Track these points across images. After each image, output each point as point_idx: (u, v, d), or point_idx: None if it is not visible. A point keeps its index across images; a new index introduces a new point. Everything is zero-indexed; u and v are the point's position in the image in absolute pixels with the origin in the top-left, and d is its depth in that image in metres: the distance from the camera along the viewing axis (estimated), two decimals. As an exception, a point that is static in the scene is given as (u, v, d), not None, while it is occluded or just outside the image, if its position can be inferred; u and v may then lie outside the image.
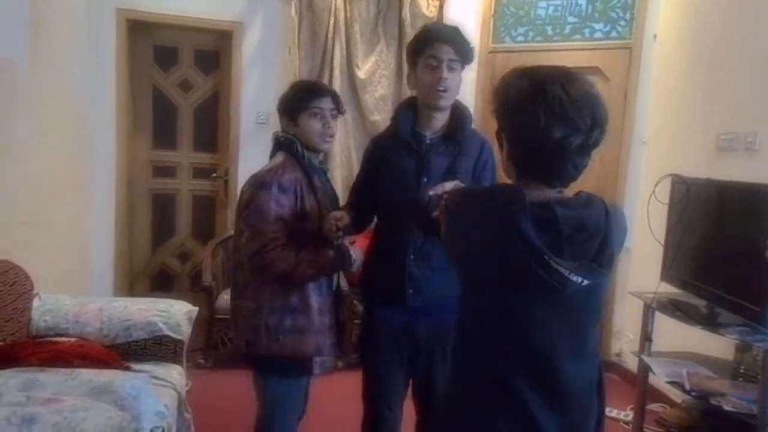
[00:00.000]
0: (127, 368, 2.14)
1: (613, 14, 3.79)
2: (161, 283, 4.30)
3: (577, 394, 1.19)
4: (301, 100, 1.93)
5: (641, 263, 3.55)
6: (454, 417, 1.23)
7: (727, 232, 2.29)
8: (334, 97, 1.97)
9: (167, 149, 4.22)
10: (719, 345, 2.56)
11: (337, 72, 3.97)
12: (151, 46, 4.11)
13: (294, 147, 1.92)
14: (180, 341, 2.40)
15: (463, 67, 1.85)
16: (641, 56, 3.68)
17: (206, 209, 4.30)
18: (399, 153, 1.88)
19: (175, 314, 2.40)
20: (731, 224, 2.26)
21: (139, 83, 4.10)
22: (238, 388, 3.31)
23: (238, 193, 3.95)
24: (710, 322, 2.27)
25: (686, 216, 2.57)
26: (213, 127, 4.23)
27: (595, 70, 3.82)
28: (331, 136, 1.96)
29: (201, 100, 4.21)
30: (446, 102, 1.84)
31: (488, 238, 1.14)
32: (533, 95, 1.11)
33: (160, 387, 2.11)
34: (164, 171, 4.24)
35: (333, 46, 3.96)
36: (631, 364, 3.69)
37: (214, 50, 4.17)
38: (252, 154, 4.07)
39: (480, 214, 1.18)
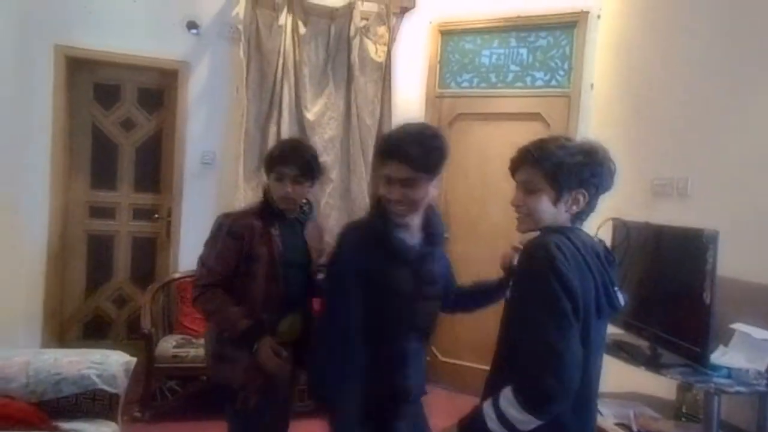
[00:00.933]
0: (56, 429, 1.98)
1: (553, 64, 3.97)
2: (95, 330, 4.06)
3: None
4: (269, 161, 2.07)
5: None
6: None
7: (667, 273, 2.37)
8: (302, 165, 2.02)
9: (106, 189, 4.05)
10: (662, 385, 2.62)
11: (285, 113, 3.96)
12: (92, 83, 3.99)
13: (266, 197, 2.08)
14: (116, 395, 2.25)
15: (429, 178, 1.65)
16: (579, 104, 3.85)
17: (147, 251, 4.13)
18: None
19: (111, 366, 2.26)
20: (670, 266, 2.35)
21: (77, 121, 3.95)
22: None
23: (182, 233, 3.87)
24: (653, 363, 2.32)
25: (627, 258, 2.65)
26: (156, 167, 4.11)
27: (537, 117, 3.98)
28: (293, 200, 2.04)
29: (143, 139, 4.09)
30: (410, 213, 1.68)
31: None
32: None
33: (91, 448, 1.96)
34: (102, 212, 4.06)
35: (282, 88, 3.96)
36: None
37: (158, 88, 4.08)
38: (196, 194, 3.98)
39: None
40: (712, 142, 2.82)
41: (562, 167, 1.41)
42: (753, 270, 2.33)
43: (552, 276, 1.29)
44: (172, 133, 4.01)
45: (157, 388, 3.38)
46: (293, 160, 2.02)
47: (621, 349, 2.51)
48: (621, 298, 1.40)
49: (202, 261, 2.07)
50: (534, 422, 1.27)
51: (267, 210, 2.06)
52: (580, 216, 1.48)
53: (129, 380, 2.33)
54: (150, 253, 4.14)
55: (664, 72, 3.21)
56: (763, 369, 2.14)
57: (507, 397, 1.30)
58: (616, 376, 2.75)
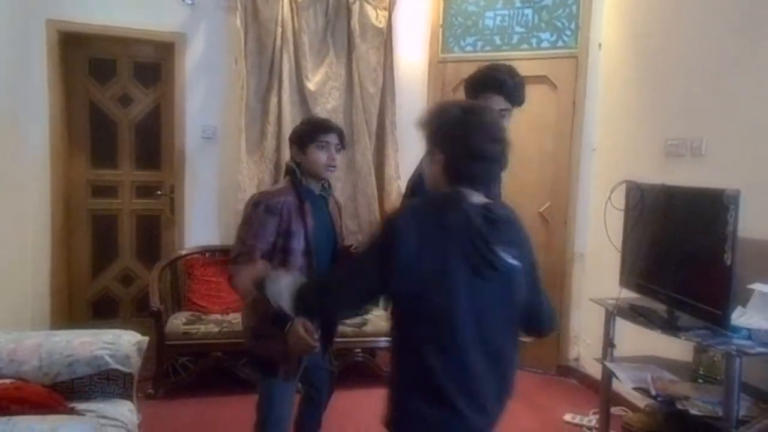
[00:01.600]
0: (72, 410, 1.96)
1: (559, 24, 3.85)
2: (104, 310, 4.04)
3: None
4: (311, 132, 2.18)
5: (598, 269, 3.60)
6: None
7: (684, 236, 2.33)
8: (340, 134, 2.23)
9: (107, 167, 3.98)
10: (677, 347, 2.60)
11: (286, 84, 3.86)
12: (87, 58, 3.88)
13: (295, 174, 2.17)
14: (129, 375, 2.23)
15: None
16: (587, 65, 3.75)
17: (151, 229, 4.08)
18: None
19: (123, 346, 2.23)
20: (688, 229, 2.30)
21: (74, 98, 3.86)
22: (192, 418, 3.16)
23: (185, 210, 3.82)
24: (671, 327, 2.30)
25: (642, 221, 2.62)
26: (156, 143, 4.03)
27: (543, 79, 3.88)
28: (334, 167, 2.21)
29: (142, 114, 4.00)
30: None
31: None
32: (465, 120, 1.38)
33: (109, 428, 1.94)
34: (104, 190, 4.00)
35: (281, 58, 3.85)
36: (590, 368, 3.74)
37: (154, 62, 3.98)
38: (199, 169, 3.92)
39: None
40: (726, 100, 2.75)
41: (425, 129, 1.44)
42: (770, 229, 2.29)
43: (381, 235, 1.38)
44: (171, 108, 3.92)
45: (169, 365, 3.38)
46: (335, 129, 2.21)
47: (637, 313, 2.49)
48: (505, 259, 1.36)
49: (241, 240, 2.09)
50: (288, 307, 1.44)
51: (299, 186, 2.15)
52: (461, 182, 1.39)
53: (142, 359, 2.30)
54: (155, 230, 4.09)
55: (674, 29, 3.11)
56: (783, 329, 2.12)
57: (293, 284, 1.46)
58: (630, 340, 2.74)
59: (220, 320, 3.52)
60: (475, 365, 1.36)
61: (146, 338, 2.36)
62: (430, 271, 1.32)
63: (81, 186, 3.94)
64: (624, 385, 2.43)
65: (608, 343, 2.67)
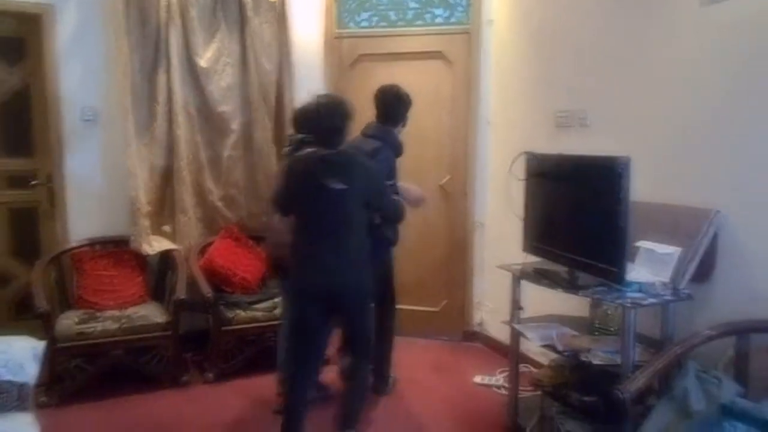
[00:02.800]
0: (-37, 431, 1.74)
1: (451, 0, 3.94)
2: (-25, 315, 3.62)
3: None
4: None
5: (499, 238, 3.79)
6: None
7: (581, 201, 2.50)
8: None
9: (-33, 156, 3.53)
10: (574, 304, 2.82)
11: (175, 61, 3.62)
12: (-68, 32, 3.38)
13: None
14: (25, 385, 2.02)
15: None
16: (480, 40, 3.88)
17: (27, 223, 3.69)
18: None
19: (15, 354, 2.02)
20: (584, 194, 2.47)
21: None
22: (96, 423, 2.94)
23: (68, 200, 3.48)
24: (573, 286, 2.47)
25: (541, 190, 2.78)
26: (26, 128, 3.62)
27: (438, 55, 3.97)
28: None
29: (7, 95, 3.57)
30: None
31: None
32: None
33: (10, 445, 1.75)
34: (-34, 182, 3.55)
35: (168, 33, 3.60)
36: (493, 332, 3.96)
37: (17, 37, 3.55)
38: (81, 155, 3.61)
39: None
40: (607, 73, 2.96)
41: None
42: (649, 192, 2.52)
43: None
44: (42, 88, 3.53)
45: (62, 368, 3.10)
46: None
47: (541, 276, 2.65)
48: (330, 185, 2.37)
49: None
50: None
51: None
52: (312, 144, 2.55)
53: (40, 366, 2.10)
54: (32, 224, 3.70)
55: (560, 6, 3.29)
56: (667, 279, 2.36)
57: None
58: (534, 302, 2.92)
59: (118, 316, 3.29)
60: (319, 240, 2.42)
61: (42, 343, 2.16)
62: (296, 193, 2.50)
63: (-64, 178, 3.46)
64: (533, 343, 2.60)
65: (516, 306, 2.82)
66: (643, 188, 2.45)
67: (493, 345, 3.94)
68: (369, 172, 2.51)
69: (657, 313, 2.47)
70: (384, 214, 2.70)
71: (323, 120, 2.41)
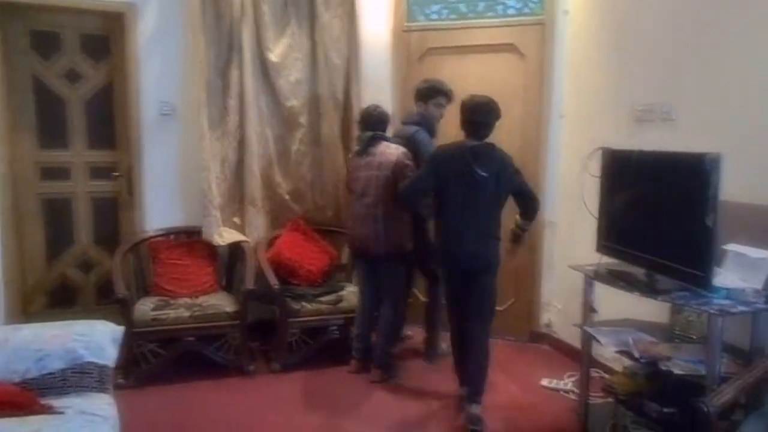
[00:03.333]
0: (50, 408, 1.84)
1: (525, -9, 3.81)
2: (62, 299, 3.84)
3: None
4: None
5: (571, 237, 3.65)
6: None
7: (663, 201, 2.35)
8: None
9: (57, 148, 3.73)
10: (651, 309, 2.66)
11: (247, 56, 3.69)
12: (27, 31, 3.59)
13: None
14: (106, 367, 2.12)
15: None
16: (554, 32, 3.74)
17: (108, 212, 3.88)
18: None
19: (97, 337, 2.11)
20: (667, 193, 2.33)
21: (15, 75, 3.58)
22: (167, 406, 3.06)
23: (144, 192, 3.63)
24: (652, 289, 2.34)
25: (618, 188, 2.64)
26: (110, 121, 3.80)
27: (510, 47, 3.86)
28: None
29: (93, 91, 3.76)
30: None
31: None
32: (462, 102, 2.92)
33: (91, 425, 1.83)
34: (55, 173, 3.75)
35: (240, 29, 3.68)
36: (562, 333, 3.82)
37: (103, 34, 3.73)
38: (158, 148, 3.74)
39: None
40: (694, 66, 2.78)
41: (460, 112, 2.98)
42: (740, 191, 2.33)
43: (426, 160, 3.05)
44: (124, 84, 3.70)
45: (139, 352, 3.24)
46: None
47: (616, 278, 2.53)
48: (478, 172, 2.79)
49: None
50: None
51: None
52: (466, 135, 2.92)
53: (118, 350, 2.19)
54: (112, 213, 3.89)
55: (643, -6, 3.12)
56: (760, 287, 2.19)
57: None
58: (606, 305, 2.79)
59: (190, 304, 3.40)
60: (460, 222, 2.85)
61: (121, 328, 2.24)
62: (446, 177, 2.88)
63: (29, 169, 3.68)
64: (606, 348, 2.48)
65: (588, 308, 2.70)
66: (733, 188, 2.27)
67: (561, 347, 3.81)
68: (504, 162, 2.88)
69: (746, 323, 2.30)
70: (521, 199, 2.98)
71: (477, 116, 2.84)
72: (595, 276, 2.62)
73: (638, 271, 2.50)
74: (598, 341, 2.56)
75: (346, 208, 3.93)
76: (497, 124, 2.92)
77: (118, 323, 2.33)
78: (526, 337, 4.00)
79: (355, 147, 3.40)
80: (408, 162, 3.20)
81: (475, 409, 2.85)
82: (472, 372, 2.94)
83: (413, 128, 3.44)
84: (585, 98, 3.60)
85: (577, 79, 3.68)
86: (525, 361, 3.70)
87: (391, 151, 3.28)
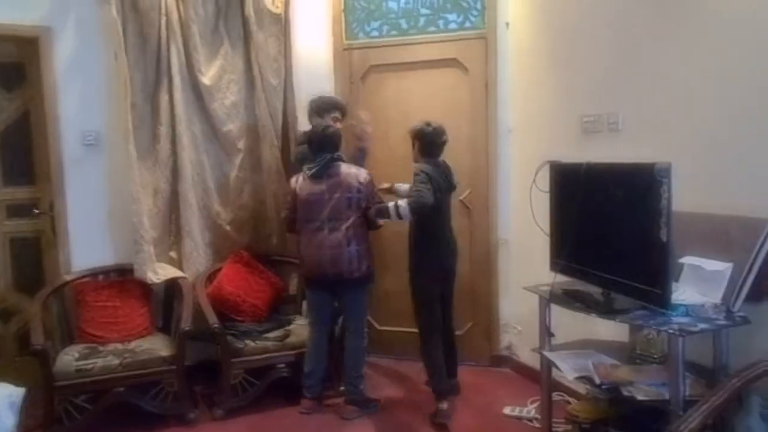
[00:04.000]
0: None
1: (465, 4, 3.72)
2: (-21, 351, 3.48)
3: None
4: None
5: (525, 255, 3.52)
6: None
7: (615, 214, 2.24)
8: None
9: (-32, 186, 3.42)
10: (611, 328, 2.53)
11: (177, 80, 3.47)
12: (-70, 60, 3.30)
13: None
14: (1, 438, 1.83)
15: None
16: (497, 45, 3.64)
17: (30, 254, 3.55)
18: None
19: (-11, 404, 1.83)
20: (618, 206, 2.21)
21: None
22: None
23: (69, 229, 3.35)
24: (609, 310, 2.20)
25: (568, 202, 2.51)
26: (27, 155, 3.50)
27: (453, 62, 3.75)
28: None
29: (7, 122, 3.46)
30: None
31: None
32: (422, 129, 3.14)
33: None
34: (-34, 213, 3.43)
35: (168, 51, 3.45)
36: (523, 356, 3.67)
37: (16, 62, 3.45)
38: (82, 181, 3.46)
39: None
40: (640, 73, 2.70)
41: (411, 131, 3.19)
42: (692, 201, 2.22)
43: (423, 174, 2.97)
44: (42, 113, 3.41)
45: (62, 409, 2.92)
46: None
47: (572, 299, 2.39)
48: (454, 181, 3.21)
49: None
50: (407, 212, 2.96)
51: None
52: (426, 154, 3.14)
53: (19, 415, 1.90)
54: (35, 254, 3.57)
55: (584, 4, 3.05)
56: (719, 300, 2.07)
57: (403, 201, 2.98)
58: (565, 325, 2.65)
59: (121, 350, 3.11)
60: (446, 230, 3.19)
61: (22, 390, 1.97)
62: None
63: (-63, 210, 3.36)
64: (567, 375, 2.32)
65: (545, 332, 2.55)
66: (684, 198, 2.17)
67: (523, 371, 3.65)
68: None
69: (708, 339, 2.18)
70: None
71: (439, 137, 3.14)
72: (551, 297, 2.48)
73: (594, 290, 2.37)
74: (557, 368, 2.40)
75: (290, 235, 3.73)
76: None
77: (39, 378, 2.04)
78: (487, 361, 3.83)
79: (306, 169, 3.17)
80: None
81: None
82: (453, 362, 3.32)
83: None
84: (531, 111, 3.50)
85: (523, 92, 3.58)
86: (487, 387, 3.52)
87: (353, 172, 3.13)
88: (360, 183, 3.11)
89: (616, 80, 2.84)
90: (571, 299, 2.38)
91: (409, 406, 3.31)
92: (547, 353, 2.51)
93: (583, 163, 2.41)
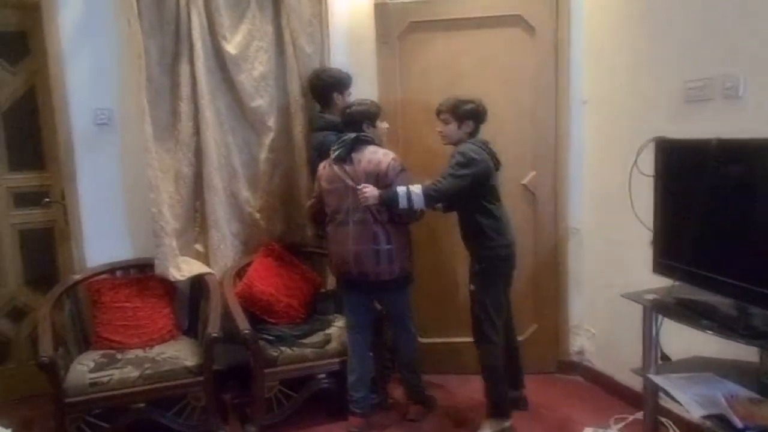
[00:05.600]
0: None
1: (531, -48, 3.15)
2: (-9, 355, 3.16)
3: None
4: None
5: (604, 247, 3.02)
6: None
7: (750, 205, 1.71)
8: None
9: (-31, 173, 3.05)
10: (722, 341, 2.02)
11: (198, 47, 3.01)
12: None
13: None
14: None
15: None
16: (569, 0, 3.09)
17: (42, 247, 3.20)
18: None
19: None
20: (754, 194, 1.68)
21: None
22: None
23: (83, 219, 2.97)
24: (756, 333, 1.69)
25: (686, 190, 2.00)
26: (35, 137, 3.12)
27: (517, 20, 3.19)
28: None
29: (11, 100, 3.07)
30: None
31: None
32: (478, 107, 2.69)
33: None
34: (-31, 203, 3.07)
35: (189, 14, 2.99)
36: (598, 363, 3.20)
37: (18, 31, 3.04)
38: (95, 165, 3.07)
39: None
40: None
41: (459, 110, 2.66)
42: None
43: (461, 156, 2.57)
44: (48, 90, 3.01)
45: (74, 428, 2.55)
46: None
47: (695, 313, 1.88)
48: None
49: None
50: (422, 202, 2.55)
51: None
52: (472, 134, 2.68)
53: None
54: (48, 248, 3.21)
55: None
56: None
57: (417, 188, 2.56)
58: (664, 333, 2.14)
59: (141, 358, 2.73)
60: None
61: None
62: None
63: (-63, 200, 3.01)
64: (691, 412, 1.82)
65: (652, 351, 2.06)
66: None
67: (597, 379, 3.17)
68: None
69: None
70: None
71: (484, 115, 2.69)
72: (661, 309, 1.97)
73: (721, 302, 1.86)
74: (672, 398, 1.91)
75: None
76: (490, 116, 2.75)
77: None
78: (554, 368, 3.35)
79: (334, 151, 2.73)
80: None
81: None
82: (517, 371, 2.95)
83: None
84: (613, 78, 2.94)
85: (601, 56, 3.02)
86: (556, 400, 3.05)
87: (379, 154, 2.67)
88: (387, 167, 2.64)
89: (733, 31, 2.27)
90: (692, 314, 1.88)
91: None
92: (654, 378, 2.01)
93: (712, 139, 1.87)
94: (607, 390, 3.05)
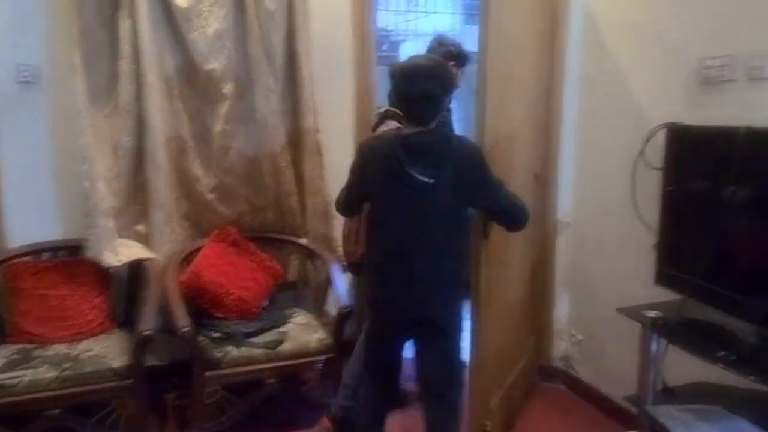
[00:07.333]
0: None
1: None
2: None
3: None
4: None
5: (597, 243, 2.69)
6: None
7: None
8: None
9: None
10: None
11: (141, -1, 2.60)
12: None
13: None
14: None
15: None
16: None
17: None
18: None
19: None
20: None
21: None
22: None
23: (3, 191, 2.57)
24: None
25: (704, 187, 1.65)
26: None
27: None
28: None
29: None
30: None
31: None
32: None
33: None
34: None
35: (130, -42, 2.58)
36: (584, 373, 2.90)
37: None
38: (17, 131, 2.66)
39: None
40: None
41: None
42: None
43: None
44: (-36, 40, 2.58)
45: (-23, 437, 2.21)
46: None
47: (708, 341, 1.55)
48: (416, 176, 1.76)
49: None
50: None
51: None
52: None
53: None
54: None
55: None
56: None
57: None
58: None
59: (62, 356, 2.36)
60: (400, 247, 1.84)
61: None
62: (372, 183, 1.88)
63: None
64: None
65: (650, 378, 1.74)
66: None
67: (581, 389, 2.87)
68: (465, 160, 1.80)
69: None
70: (501, 219, 1.94)
71: (413, 87, 1.77)
72: (665, 331, 1.64)
73: (737, 326, 1.53)
74: (673, 438, 1.59)
75: (300, 210, 2.96)
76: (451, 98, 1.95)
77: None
78: (535, 374, 3.04)
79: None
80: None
81: None
82: None
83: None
84: (616, 54, 2.58)
85: (602, 28, 2.65)
86: (536, 415, 2.74)
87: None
88: None
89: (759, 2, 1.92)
90: (704, 342, 1.54)
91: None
92: (653, 410, 1.69)
93: (741, 126, 1.52)
94: (593, 403, 2.76)
